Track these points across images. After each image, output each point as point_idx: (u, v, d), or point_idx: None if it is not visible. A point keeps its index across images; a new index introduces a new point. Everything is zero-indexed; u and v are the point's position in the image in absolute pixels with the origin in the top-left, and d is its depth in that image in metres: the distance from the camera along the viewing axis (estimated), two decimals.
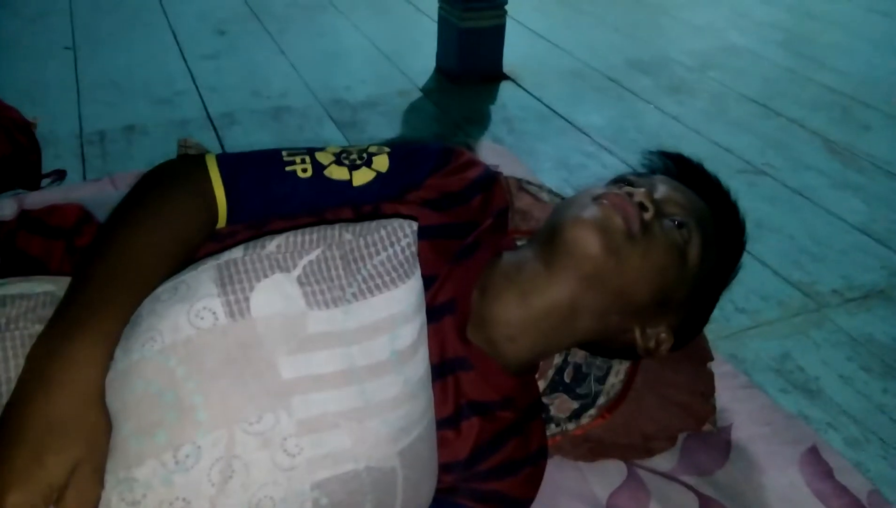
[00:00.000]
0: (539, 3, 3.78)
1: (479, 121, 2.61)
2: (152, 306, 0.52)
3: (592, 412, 0.85)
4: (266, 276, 0.51)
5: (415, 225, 0.57)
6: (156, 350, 0.49)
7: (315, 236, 0.54)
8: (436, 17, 2.87)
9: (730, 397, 0.95)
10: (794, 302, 1.80)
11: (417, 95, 2.76)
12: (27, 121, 1.84)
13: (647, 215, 0.68)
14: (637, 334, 0.72)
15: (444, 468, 0.64)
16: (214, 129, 2.40)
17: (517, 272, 0.70)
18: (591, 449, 0.86)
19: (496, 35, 2.81)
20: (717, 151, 2.46)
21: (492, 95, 2.79)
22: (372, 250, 0.54)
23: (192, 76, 2.75)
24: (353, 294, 0.52)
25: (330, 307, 0.51)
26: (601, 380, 0.86)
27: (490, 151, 1.44)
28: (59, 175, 1.94)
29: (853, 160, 2.45)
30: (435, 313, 0.65)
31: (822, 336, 1.69)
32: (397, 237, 0.55)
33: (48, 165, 1.94)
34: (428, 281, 0.65)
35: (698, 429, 0.90)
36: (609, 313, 0.70)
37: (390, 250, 0.54)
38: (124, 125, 2.37)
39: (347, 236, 0.54)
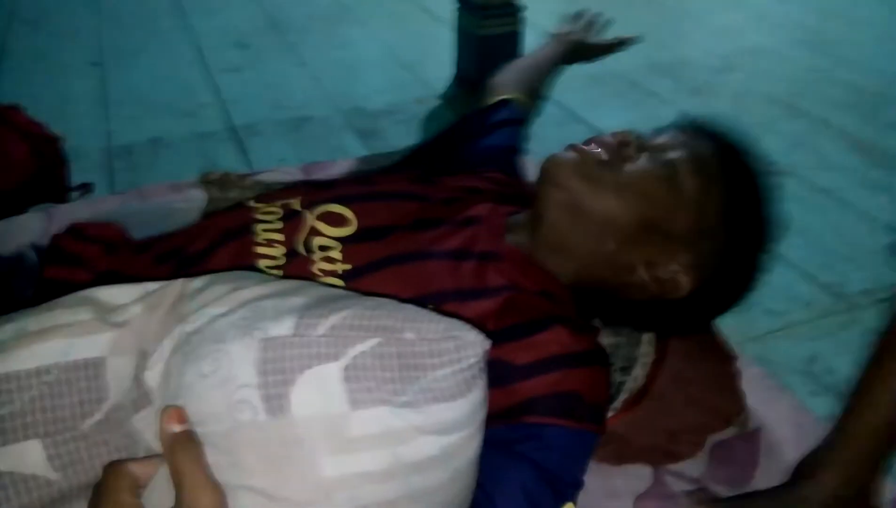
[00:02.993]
0: (556, 8, 3.78)
1: None
2: (194, 380, 0.48)
3: (616, 405, 0.84)
4: (310, 367, 0.47)
5: (487, 344, 0.50)
6: (200, 434, 0.48)
7: (374, 324, 0.49)
8: (453, 26, 2.88)
9: (758, 399, 0.93)
10: (823, 303, 1.77)
11: (436, 102, 2.77)
12: (53, 135, 1.88)
13: (627, 150, 0.71)
14: (643, 271, 0.72)
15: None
16: (238, 140, 2.44)
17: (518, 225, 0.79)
18: (615, 451, 0.85)
19: (514, 41, 2.81)
20: None
21: None
22: (435, 361, 0.48)
23: (215, 89, 2.80)
24: (405, 403, 0.48)
25: (377, 407, 0.47)
26: (626, 371, 0.86)
27: None
28: (87, 188, 1.97)
29: (882, 158, 2.40)
30: (467, 222, 0.76)
31: (851, 338, 1.66)
32: (465, 355, 0.49)
33: (76, 179, 1.97)
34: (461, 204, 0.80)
35: (724, 427, 0.89)
36: (603, 239, 0.71)
37: (455, 367, 0.48)
38: (150, 138, 2.42)
39: (410, 336, 0.49)
